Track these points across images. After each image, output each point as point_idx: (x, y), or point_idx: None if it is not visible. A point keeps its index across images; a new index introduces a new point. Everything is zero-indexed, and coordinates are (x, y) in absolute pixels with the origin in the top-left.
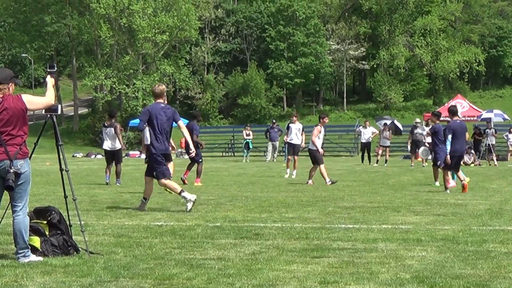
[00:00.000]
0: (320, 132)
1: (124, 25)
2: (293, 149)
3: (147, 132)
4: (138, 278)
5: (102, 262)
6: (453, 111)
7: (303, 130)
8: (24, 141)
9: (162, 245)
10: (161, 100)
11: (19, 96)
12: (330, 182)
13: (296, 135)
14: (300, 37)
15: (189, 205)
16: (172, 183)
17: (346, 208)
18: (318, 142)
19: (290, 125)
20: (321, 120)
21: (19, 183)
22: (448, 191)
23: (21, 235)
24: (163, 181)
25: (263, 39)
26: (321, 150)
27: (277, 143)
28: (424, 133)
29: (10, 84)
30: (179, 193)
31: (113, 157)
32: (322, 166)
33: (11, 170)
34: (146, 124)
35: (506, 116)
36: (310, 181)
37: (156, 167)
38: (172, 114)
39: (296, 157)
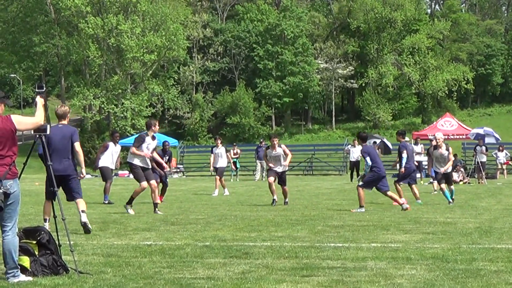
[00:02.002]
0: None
1: (112, 45)
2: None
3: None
4: None
5: (92, 282)
6: (402, 134)
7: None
8: (13, 161)
9: (151, 264)
10: (64, 122)
11: (8, 117)
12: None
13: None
14: (289, 56)
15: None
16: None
17: (335, 227)
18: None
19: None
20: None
21: (8, 203)
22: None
23: (10, 255)
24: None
25: (252, 58)
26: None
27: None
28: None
29: (1, 104)
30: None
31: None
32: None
33: (0, 191)
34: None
35: (497, 136)
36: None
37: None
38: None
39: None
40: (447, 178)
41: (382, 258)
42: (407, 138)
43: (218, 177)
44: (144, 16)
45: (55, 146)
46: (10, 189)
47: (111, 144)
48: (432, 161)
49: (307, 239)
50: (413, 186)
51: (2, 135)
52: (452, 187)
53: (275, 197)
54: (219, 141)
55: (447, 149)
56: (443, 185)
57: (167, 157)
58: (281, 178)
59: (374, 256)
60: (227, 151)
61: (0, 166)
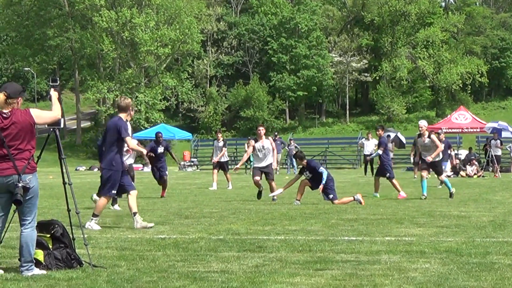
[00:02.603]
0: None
1: (126, 38)
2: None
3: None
4: None
5: (106, 275)
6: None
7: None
8: (32, 156)
9: (165, 258)
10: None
11: (27, 110)
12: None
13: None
14: (302, 49)
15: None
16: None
17: (349, 220)
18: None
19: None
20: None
21: (28, 197)
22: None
23: (27, 248)
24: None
25: (265, 52)
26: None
27: (279, 156)
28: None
29: (19, 98)
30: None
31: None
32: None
33: (20, 185)
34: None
35: (510, 130)
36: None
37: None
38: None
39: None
40: (434, 168)
41: (396, 252)
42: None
43: (215, 171)
44: (158, 9)
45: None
46: (29, 183)
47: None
48: (417, 149)
49: (320, 233)
50: (377, 178)
51: (21, 129)
52: (443, 177)
53: (261, 188)
54: (219, 135)
55: (438, 139)
56: (424, 173)
57: (163, 148)
58: (267, 174)
59: (388, 249)
60: (224, 145)
61: (19, 161)
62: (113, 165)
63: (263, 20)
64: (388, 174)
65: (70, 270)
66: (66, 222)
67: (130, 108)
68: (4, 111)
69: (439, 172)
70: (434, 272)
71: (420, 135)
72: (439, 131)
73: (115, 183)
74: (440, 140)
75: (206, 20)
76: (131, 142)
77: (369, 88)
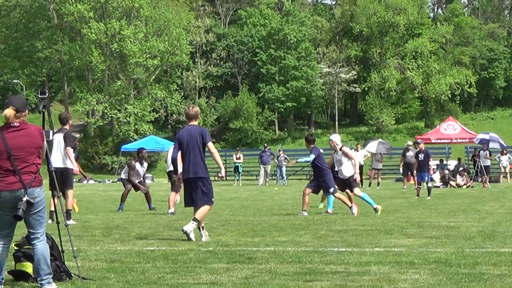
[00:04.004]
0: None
1: (115, 50)
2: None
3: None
4: None
5: None
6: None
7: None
8: (39, 170)
9: (154, 270)
10: (195, 123)
11: (42, 132)
12: None
13: None
14: (291, 60)
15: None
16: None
17: (338, 231)
18: None
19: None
20: None
21: (37, 210)
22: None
23: (44, 261)
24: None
25: (254, 63)
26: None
27: (269, 167)
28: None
29: (26, 111)
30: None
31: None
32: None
33: (24, 199)
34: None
35: (502, 142)
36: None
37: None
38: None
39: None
40: (347, 185)
41: (385, 263)
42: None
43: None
44: (147, 21)
45: (188, 146)
46: (37, 197)
47: (137, 164)
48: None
49: (310, 244)
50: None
51: (31, 142)
52: (359, 193)
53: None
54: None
55: (418, 148)
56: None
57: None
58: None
59: (377, 260)
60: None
61: (26, 174)
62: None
63: (252, 32)
64: (331, 190)
65: (59, 282)
66: (55, 234)
67: (198, 115)
68: (15, 124)
69: (352, 187)
70: (423, 283)
71: (335, 151)
72: (418, 140)
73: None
74: (420, 150)
75: (195, 31)
76: (212, 146)
77: (358, 99)
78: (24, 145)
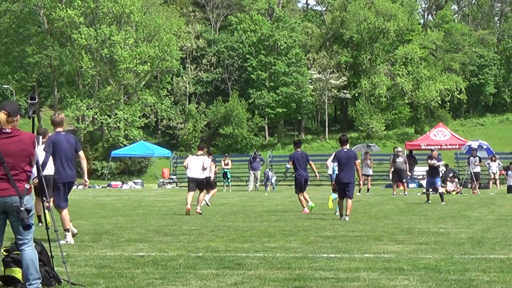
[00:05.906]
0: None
1: (105, 55)
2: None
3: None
4: None
5: None
6: (342, 140)
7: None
8: (29, 177)
9: (144, 275)
10: (60, 129)
11: (34, 137)
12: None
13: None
14: (282, 66)
15: (68, 239)
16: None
17: (328, 238)
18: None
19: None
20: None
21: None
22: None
23: (33, 266)
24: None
25: (245, 69)
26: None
27: (258, 173)
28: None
29: (18, 116)
30: (66, 229)
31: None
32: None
33: (22, 208)
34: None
35: (491, 149)
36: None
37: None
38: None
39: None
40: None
41: (375, 269)
42: (347, 147)
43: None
44: (137, 26)
45: (65, 153)
46: (27, 204)
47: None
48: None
49: (299, 250)
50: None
51: (24, 151)
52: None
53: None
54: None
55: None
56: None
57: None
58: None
59: (366, 266)
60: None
61: (18, 182)
62: None
63: (242, 38)
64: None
65: None
66: (45, 240)
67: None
68: (7, 130)
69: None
70: None
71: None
72: (432, 147)
73: None
74: (432, 157)
75: (185, 37)
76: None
77: (348, 105)
78: (16, 153)
